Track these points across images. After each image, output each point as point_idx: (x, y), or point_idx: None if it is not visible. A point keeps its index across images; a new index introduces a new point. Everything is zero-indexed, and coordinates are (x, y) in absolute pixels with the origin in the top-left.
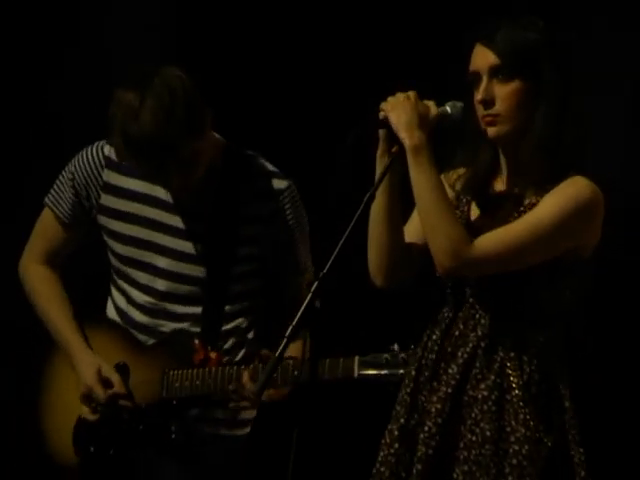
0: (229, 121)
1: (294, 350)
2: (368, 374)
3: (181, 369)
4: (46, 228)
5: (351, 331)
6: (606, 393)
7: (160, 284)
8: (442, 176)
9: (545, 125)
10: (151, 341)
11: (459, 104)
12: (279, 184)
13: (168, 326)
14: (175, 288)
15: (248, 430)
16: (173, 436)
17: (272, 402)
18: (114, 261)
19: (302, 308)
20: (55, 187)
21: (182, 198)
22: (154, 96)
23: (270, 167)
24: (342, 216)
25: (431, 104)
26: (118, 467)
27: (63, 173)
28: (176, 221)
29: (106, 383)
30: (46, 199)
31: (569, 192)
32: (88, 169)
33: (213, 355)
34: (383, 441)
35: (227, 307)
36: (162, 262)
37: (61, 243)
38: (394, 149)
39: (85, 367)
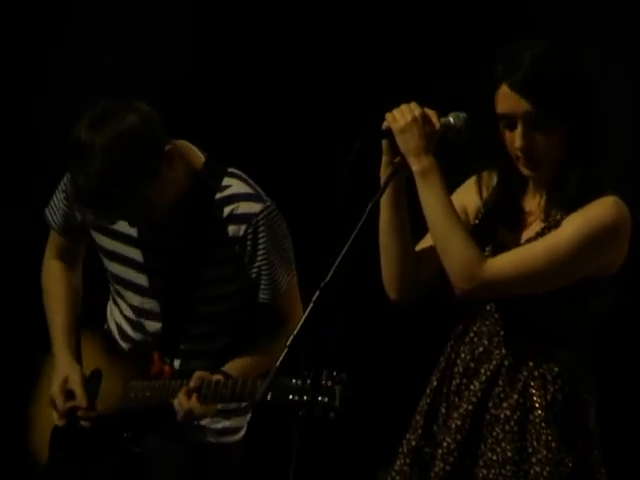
0: (234, 128)
1: (230, 369)
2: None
3: (140, 380)
4: (52, 234)
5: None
6: (629, 411)
7: (137, 300)
8: (467, 182)
9: (574, 159)
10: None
11: (462, 115)
12: (252, 207)
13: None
14: (147, 304)
15: (239, 437)
16: (124, 445)
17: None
18: (107, 274)
19: (303, 318)
20: (53, 198)
21: (156, 220)
22: (102, 146)
23: (246, 189)
24: (346, 226)
25: (433, 116)
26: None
27: (60, 184)
28: (151, 239)
29: (69, 394)
30: (45, 210)
31: (592, 216)
32: None
33: (167, 368)
34: (400, 450)
35: (194, 326)
36: (141, 280)
37: (67, 247)
38: (397, 159)
39: (56, 375)
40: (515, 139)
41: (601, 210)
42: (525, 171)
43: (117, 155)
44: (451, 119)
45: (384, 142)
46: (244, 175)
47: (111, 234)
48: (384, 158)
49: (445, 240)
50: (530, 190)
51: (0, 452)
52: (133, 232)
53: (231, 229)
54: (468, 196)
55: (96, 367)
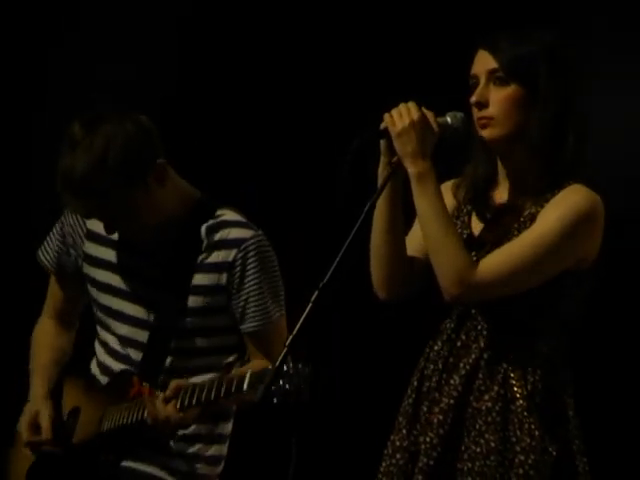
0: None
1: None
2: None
3: (119, 404)
4: (50, 286)
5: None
6: (608, 401)
7: (124, 330)
8: (442, 186)
9: (540, 132)
10: None
11: (459, 114)
12: (243, 233)
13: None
14: (134, 333)
15: (218, 470)
16: (103, 469)
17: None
18: (95, 310)
19: (302, 318)
20: (46, 239)
21: (144, 244)
22: (93, 140)
23: (237, 217)
24: (344, 227)
25: (431, 117)
26: None
27: (55, 224)
28: (137, 267)
29: (37, 429)
30: (38, 251)
31: (569, 204)
32: (74, 217)
33: (145, 390)
34: (385, 452)
35: (177, 359)
36: (129, 309)
37: (62, 297)
38: (394, 160)
39: (28, 408)
40: (473, 96)
41: (577, 198)
42: (483, 133)
43: (105, 152)
44: (448, 119)
45: (382, 143)
46: (237, 210)
47: (101, 265)
48: (382, 159)
49: (437, 245)
50: (500, 183)
51: None
52: (123, 260)
53: (221, 254)
54: (446, 197)
55: (74, 405)
